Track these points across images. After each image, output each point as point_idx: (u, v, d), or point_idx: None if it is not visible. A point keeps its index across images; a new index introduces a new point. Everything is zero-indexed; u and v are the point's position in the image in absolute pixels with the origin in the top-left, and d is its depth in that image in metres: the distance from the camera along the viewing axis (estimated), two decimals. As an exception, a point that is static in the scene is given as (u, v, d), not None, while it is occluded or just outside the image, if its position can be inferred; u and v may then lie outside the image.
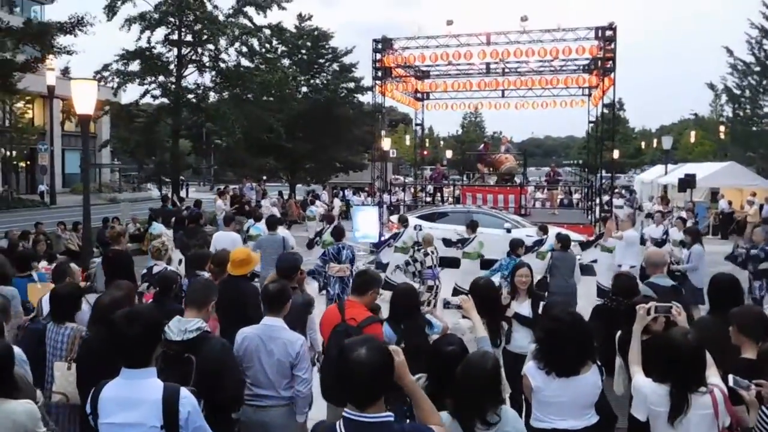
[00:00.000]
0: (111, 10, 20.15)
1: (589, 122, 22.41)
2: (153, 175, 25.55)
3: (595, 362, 3.53)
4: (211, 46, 22.28)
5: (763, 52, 28.48)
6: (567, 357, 3.41)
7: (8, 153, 32.15)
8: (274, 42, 25.92)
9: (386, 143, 25.75)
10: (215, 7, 21.98)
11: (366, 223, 14.23)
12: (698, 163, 31.72)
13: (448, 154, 56.08)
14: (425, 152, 45.77)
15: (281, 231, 11.26)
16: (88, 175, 11.62)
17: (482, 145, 24.41)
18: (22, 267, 6.39)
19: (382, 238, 11.93)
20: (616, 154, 30.24)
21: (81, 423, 3.78)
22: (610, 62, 17.05)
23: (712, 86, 32.04)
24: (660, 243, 11.19)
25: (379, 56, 18.69)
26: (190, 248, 8.74)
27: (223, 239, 9.29)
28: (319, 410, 4.45)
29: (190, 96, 22.59)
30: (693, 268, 9.00)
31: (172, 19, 21.35)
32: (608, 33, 16.77)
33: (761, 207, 20.56)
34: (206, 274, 5.88)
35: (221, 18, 21.88)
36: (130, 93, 22.57)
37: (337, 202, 26.39)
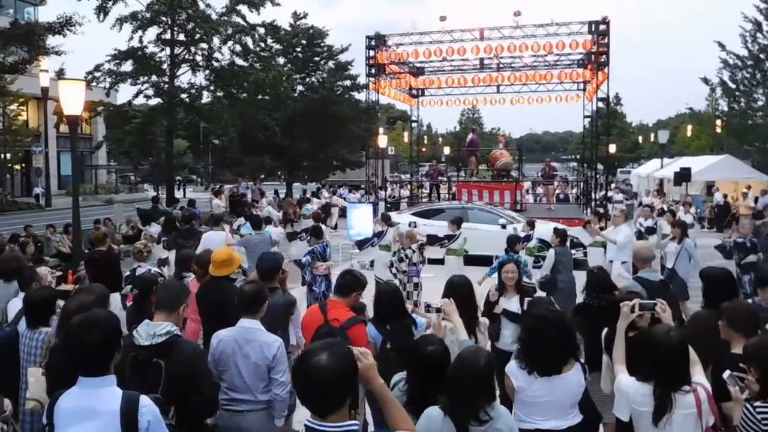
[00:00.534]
0: (102, 11, 20.00)
1: (585, 117, 22.34)
2: (148, 176, 25.46)
3: (578, 360, 3.46)
4: (204, 45, 22.19)
5: (756, 45, 28.46)
6: (549, 356, 3.34)
7: (3, 155, 32.00)
8: (269, 40, 25.82)
9: (383, 140, 25.70)
10: (208, 5, 21.92)
11: (360, 221, 14.16)
12: (694, 156, 31.64)
13: (446, 150, 55.97)
14: (423, 149, 45.69)
15: (272, 229, 11.26)
16: (77, 178, 11.47)
17: (470, 135, 23.88)
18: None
19: (366, 237, 11.81)
20: (612, 148, 30.01)
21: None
22: (604, 56, 16.98)
23: (706, 80, 31.97)
24: (652, 230, 11.13)
25: (372, 53, 18.60)
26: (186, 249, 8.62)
27: (213, 239, 9.17)
28: (305, 413, 4.34)
29: (183, 96, 22.49)
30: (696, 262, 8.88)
31: (164, 18, 21.21)
32: (602, 27, 16.73)
33: (756, 200, 20.48)
34: (192, 276, 5.80)
35: (214, 17, 21.77)
36: (125, 94, 22.50)
37: (338, 200, 26.34)
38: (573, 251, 10.01)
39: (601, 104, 19.31)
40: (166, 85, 21.95)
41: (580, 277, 9.70)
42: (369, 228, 14.04)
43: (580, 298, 7.26)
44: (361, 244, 11.49)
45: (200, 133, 26.22)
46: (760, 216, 14.82)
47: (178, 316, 3.44)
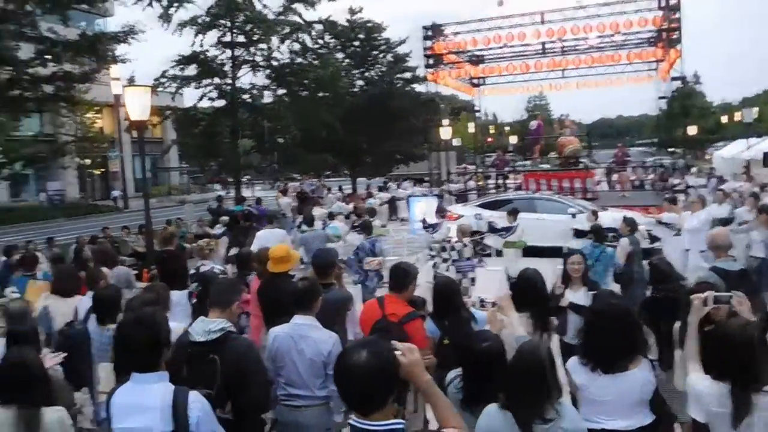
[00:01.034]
0: (166, 18, 20.69)
1: (659, 98, 21.28)
2: (216, 176, 26.23)
3: (646, 357, 3.25)
4: (263, 46, 22.49)
5: None
6: (612, 352, 3.15)
7: (82, 162, 33.87)
8: (326, 37, 26.00)
9: (445, 132, 25.38)
10: (264, 6, 22.21)
11: (423, 213, 14.08)
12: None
13: (513, 139, 54.70)
14: (489, 139, 44.89)
15: (338, 224, 11.34)
16: (147, 180, 11.97)
17: (535, 123, 23.23)
18: (29, 266, 6.93)
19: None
20: (692, 130, 28.15)
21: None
22: (676, 33, 16.12)
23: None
24: (727, 222, 10.32)
25: (429, 43, 18.41)
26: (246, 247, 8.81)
27: (267, 237, 9.21)
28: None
29: (245, 96, 22.99)
30: None
31: (223, 21, 21.71)
32: (672, 1, 15.86)
33: None
34: (253, 274, 5.90)
35: (271, 16, 22.08)
36: (191, 97, 23.19)
37: (403, 192, 26.18)
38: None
39: (676, 84, 18.37)
40: (229, 87, 22.50)
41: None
42: (433, 221, 14.02)
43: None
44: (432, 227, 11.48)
45: (264, 133, 26.80)
46: None
47: (232, 313, 3.47)
